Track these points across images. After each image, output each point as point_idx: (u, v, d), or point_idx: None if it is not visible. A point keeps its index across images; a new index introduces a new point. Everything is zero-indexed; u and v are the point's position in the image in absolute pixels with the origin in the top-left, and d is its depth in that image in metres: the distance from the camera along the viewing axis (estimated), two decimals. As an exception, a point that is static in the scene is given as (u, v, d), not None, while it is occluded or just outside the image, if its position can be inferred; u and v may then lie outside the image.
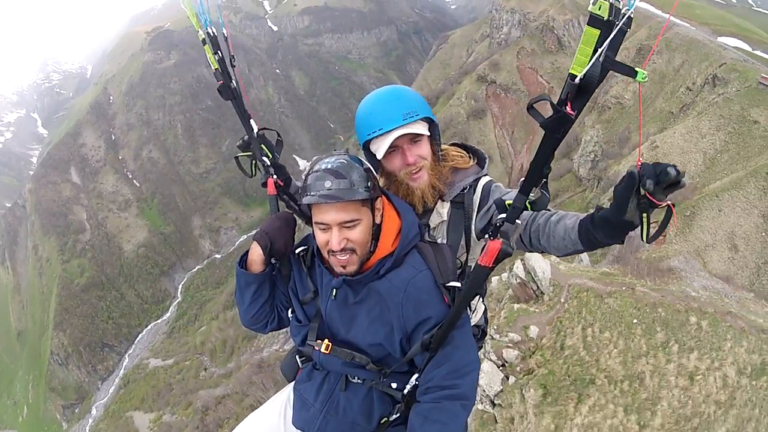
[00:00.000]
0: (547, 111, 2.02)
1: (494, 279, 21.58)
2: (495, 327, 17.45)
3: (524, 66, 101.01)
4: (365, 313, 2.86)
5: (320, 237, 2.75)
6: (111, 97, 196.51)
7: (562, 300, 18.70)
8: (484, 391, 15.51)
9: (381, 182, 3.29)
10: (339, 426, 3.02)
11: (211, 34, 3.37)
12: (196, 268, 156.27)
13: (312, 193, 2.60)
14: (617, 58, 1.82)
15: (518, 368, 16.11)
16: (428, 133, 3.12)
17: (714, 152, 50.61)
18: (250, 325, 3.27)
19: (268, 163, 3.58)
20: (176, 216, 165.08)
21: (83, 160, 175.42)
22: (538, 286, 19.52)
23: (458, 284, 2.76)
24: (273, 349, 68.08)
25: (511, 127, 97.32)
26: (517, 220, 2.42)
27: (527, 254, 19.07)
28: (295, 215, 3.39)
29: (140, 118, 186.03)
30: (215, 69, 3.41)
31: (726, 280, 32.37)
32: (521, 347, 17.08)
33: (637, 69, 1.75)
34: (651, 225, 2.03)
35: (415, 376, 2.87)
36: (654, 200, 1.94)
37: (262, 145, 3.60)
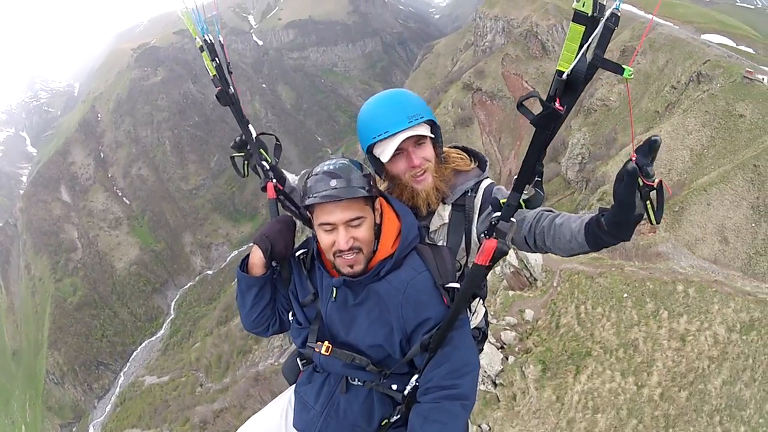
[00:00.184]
0: (537, 109, 2.04)
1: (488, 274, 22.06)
2: (492, 313, 17.97)
3: (509, 72, 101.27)
4: (365, 314, 2.88)
5: (325, 239, 2.77)
6: (99, 115, 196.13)
7: (555, 284, 19.28)
8: (485, 371, 15.99)
9: (384, 186, 3.36)
10: (339, 428, 3.04)
11: (209, 42, 3.44)
12: (189, 284, 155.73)
13: (314, 195, 2.66)
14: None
15: (516, 349, 16.76)
16: (432, 135, 3.17)
17: (701, 148, 50.95)
18: (251, 329, 3.33)
19: (268, 167, 3.60)
20: (167, 233, 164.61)
21: (73, 179, 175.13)
22: (531, 273, 20.02)
23: (457, 285, 2.78)
24: (268, 363, 67.90)
25: (498, 133, 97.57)
26: (512, 218, 2.45)
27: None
28: (294, 218, 3.42)
29: (128, 135, 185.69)
30: (213, 75, 3.50)
31: (714, 262, 32.91)
32: (518, 329, 17.67)
33: (623, 66, 1.75)
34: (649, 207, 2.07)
35: (415, 377, 2.89)
36: (652, 184, 1.98)
37: (261, 150, 3.64)
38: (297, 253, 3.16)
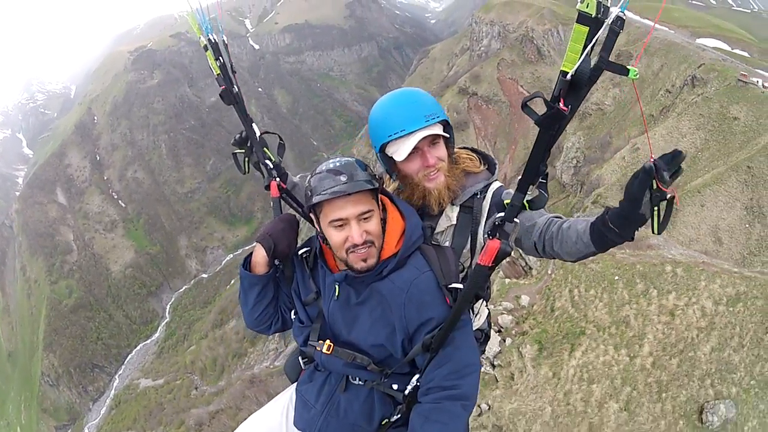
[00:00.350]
0: (539, 110, 2.11)
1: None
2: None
3: (505, 77, 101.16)
4: (367, 313, 2.90)
5: (337, 236, 2.77)
6: (95, 117, 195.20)
7: (549, 271, 19.75)
8: (483, 353, 16.07)
9: (394, 185, 3.39)
10: (340, 427, 3.07)
11: (213, 41, 3.49)
12: (184, 287, 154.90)
13: (322, 192, 2.68)
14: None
15: (513, 332, 17.40)
16: (448, 135, 3.16)
17: (695, 151, 50.87)
18: (254, 327, 3.36)
19: (271, 166, 3.64)
20: (162, 236, 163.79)
21: (69, 181, 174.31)
22: (526, 263, 20.45)
23: (460, 286, 2.80)
24: (263, 366, 67.87)
25: (494, 137, 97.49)
26: (515, 219, 2.52)
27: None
28: (297, 217, 3.42)
29: (124, 138, 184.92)
30: (217, 74, 3.54)
31: (704, 253, 33.30)
32: (515, 314, 18.24)
33: (628, 67, 1.82)
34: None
35: (416, 377, 2.90)
36: (666, 190, 2.04)
37: (264, 149, 3.69)
38: (300, 252, 3.22)
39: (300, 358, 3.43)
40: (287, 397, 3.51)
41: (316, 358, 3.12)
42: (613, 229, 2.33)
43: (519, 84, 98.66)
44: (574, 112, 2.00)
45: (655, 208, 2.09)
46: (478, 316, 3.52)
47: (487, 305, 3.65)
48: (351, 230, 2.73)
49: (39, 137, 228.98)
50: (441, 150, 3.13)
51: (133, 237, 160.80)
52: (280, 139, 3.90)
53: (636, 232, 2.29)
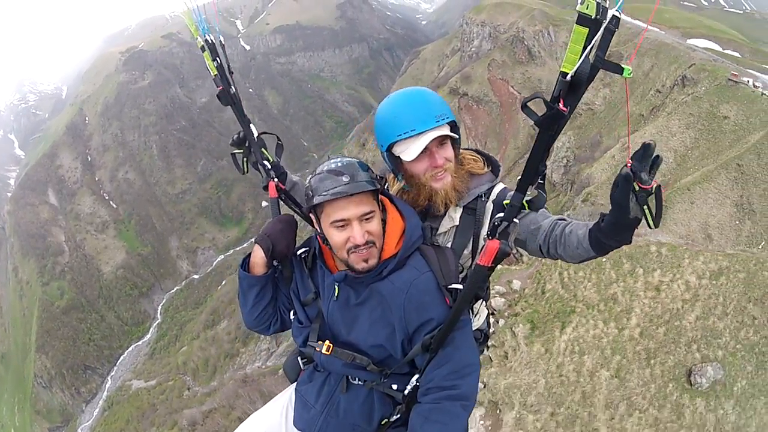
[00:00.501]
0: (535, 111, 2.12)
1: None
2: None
3: (495, 77, 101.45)
4: (367, 314, 2.89)
5: (338, 236, 2.76)
6: (87, 118, 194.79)
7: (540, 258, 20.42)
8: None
9: (399, 186, 3.35)
10: (339, 427, 3.07)
11: (210, 42, 3.45)
12: (175, 288, 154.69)
13: (323, 193, 2.66)
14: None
15: (506, 313, 17.91)
16: (457, 136, 3.12)
17: (684, 149, 51.36)
18: (253, 327, 3.35)
19: (269, 167, 3.63)
20: (153, 237, 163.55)
21: (60, 182, 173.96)
22: (517, 250, 21.13)
23: (460, 287, 2.80)
24: (255, 366, 67.62)
25: (484, 137, 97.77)
26: (515, 219, 2.54)
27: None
28: (295, 217, 3.43)
29: (116, 138, 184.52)
30: (214, 75, 3.53)
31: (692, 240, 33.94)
32: (507, 297, 18.60)
33: (623, 66, 1.85)
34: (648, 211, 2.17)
35: (416, 377, 2.90)
36: (648, 188, 2.07)
37: (262, 149, 3.69)
38: (299, 252, 3.22)
39: (299, 358, 3.43)
40: (286, 397, 3.53)
41: (315, 359, 3.12)
42: (610, 236, 2.39)
43: (510, 84, 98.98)
44: (572, 112, 2.03)
45: (645, 207, 2.13)
46: (477, 316, 3.52)
47: (486, 305, 3.67)
48: (353, 231, 2.73)
49: (31, 138, 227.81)
50: (449, 151, 3.12)
51: (125, 238, 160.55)
52: (278, 139, 3.95)
53: (633, 234, 2.34)
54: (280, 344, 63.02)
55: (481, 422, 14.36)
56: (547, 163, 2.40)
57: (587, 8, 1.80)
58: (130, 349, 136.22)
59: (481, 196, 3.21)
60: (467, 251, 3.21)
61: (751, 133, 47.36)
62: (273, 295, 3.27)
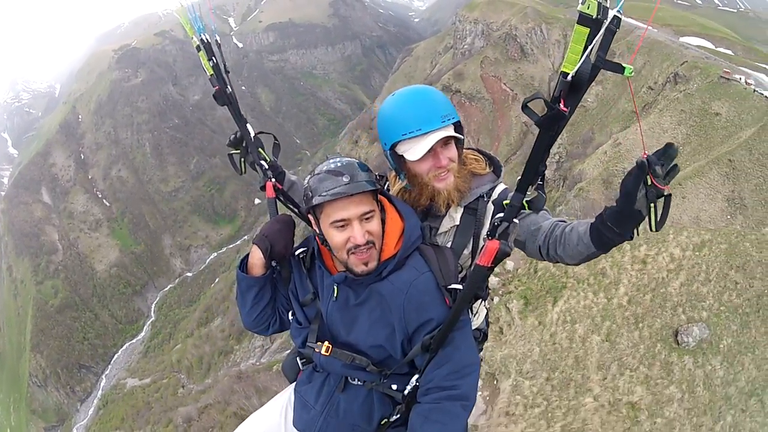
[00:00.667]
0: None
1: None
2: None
3: (488, 74, 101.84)
4: (366, 314, 2.87)
5: (338, 236, 2.73)
6: (80, 116, 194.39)
7: None
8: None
9: (401, 185, 3.31)
10: (339, 428, 3.06)
11: (205, 41, 3.44)
12: (168, 286, 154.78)
13: (323, 194, 2.63)
14: None
15: (501, 291, 18.48)
16: (462, 137, 3.09)
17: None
18: (252, 328, 3.34)
19: (266, 167, 3.61)
20: (146, 235, 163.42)
21: (53, 180, 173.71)
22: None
23: (460, 287, 2.78)
24: (250, 363, 67.40)
25: (477, 134, 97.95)
26: (515, 219, 2.52)
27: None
28: (293, 217, 3.41)
29: (109, 137, 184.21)
30: (210, 75, 3.49)
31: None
32: (501, 277, 19.03)
33: (624, 65, 1.84)
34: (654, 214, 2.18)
35: (415, 377, 2.89)
36: (661, 187, 2.05)
37: (259, 149, 3.67)
38: (297, 252, 3.20)
39: (298, 358, 3.42)
40: (286, 397, 3.52)
41: (314, 360, 3.12)
42: (612, 228, 2.36)
43: (502, 82, 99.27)
44: (572, 112, 2.04)
45: (652, 205, 2.14)
46: (476, 316, 3.50)
47: (485, 304, 3.65)
48: (353, 231, 2.71)
49: (24, 137, 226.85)
50: (452, 151, 3.08)
51: (118, 236, 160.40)
52: (275, 139, 3.95)
53: (635, 231, 2.34)
54: (275, 341, 62.87)
55: (479, 393, 14.63)
56: (547, 163, 2.51)
57: (588, 8, 1.77)
58: (124, 347, 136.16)
59: (483, 196, 3.20)
60: (467, 251, 3.20)
61: (743, 130, 47.74)
62: (272, 295, 3.27)
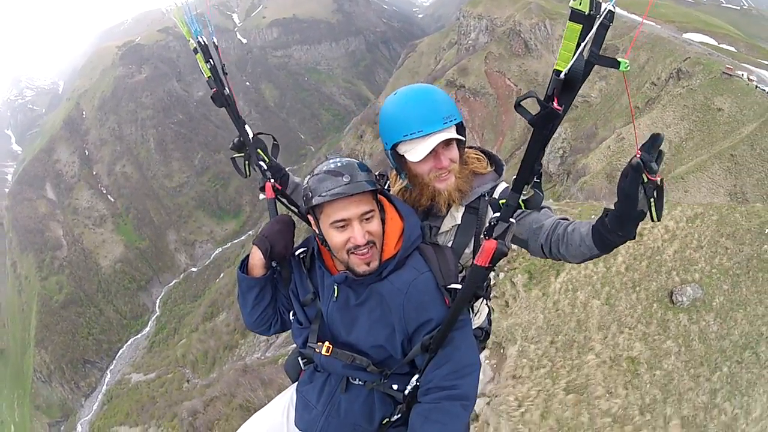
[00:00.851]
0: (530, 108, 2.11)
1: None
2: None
3: (492, 70, 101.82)
4: (366, 314, 2.86)
5: (338, 237, 2.72)
6: (84, 113, 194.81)
7: None
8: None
9: (402, 185, 3.29)
10: (341, 427, 3.05)
11: (202, 43, 3.43)
12: (173, 282, 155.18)
13: (323, 194, 2.62)
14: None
15: (506, 268, 19.18)
16: (464, 138, 3.08)
17: (679, 140, 52.21)
18: (253, 328, 3.34)
19: (265, 167, 3.60)
20: (151, 230, 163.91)
21: (58, 176, 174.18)
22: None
23: (459, 286, 2.74)
24: (255, 357, 67.30)
25: (481, 129, 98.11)
26: (511, 219, 2.47)
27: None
28: (293, 217, 3.41)
29: (113, 132, 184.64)
30: (208, 77, 3.48)
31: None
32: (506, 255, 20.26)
33: (619, 60, 1.80)
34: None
35: (416, 376, 2.88)
36: (655, 180, 2.02)
37: (259, 150, 3.64)
38: (297, 252, 3.18)
39: (299, 358, 3.38)
40: (288, 397, 3.51)
41: (315, 360, 3.10)
42: (614, 231, 2.32)
43: (506, 77, 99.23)
44: (567, 110, 2.01)
45: (651, 200, 2.10)
46: (478, 315, 3.49)
47: (487, 303, 3.61)
48: (353, 231, 2.69)
49: (28, 133, 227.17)
50: (454, 152, 3.05)
51: (123, 232, 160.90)
52: (274, 139, 3.87)
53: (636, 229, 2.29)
54: (279, 335, 63.03)
55: (487, 362, 15.33)
56: (546, 156, 2.56)
57: (580, 4, 1.74)
58: (129, 342, 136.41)
59: (484, 196, 3.16)
60: (468, 250, 3.17)
61: (745, 125, 47.82)
62: (272, 296, 3.26)
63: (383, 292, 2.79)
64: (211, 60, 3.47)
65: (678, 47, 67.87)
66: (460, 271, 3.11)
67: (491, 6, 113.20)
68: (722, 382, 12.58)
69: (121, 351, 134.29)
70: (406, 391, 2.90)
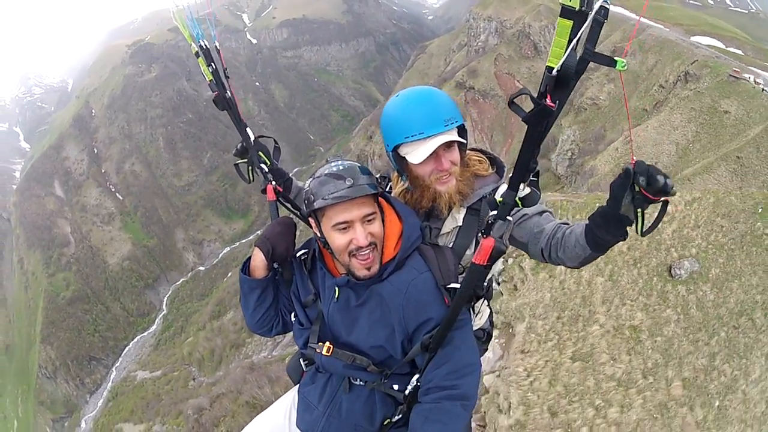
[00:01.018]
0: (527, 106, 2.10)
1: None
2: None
3: (501, 72, 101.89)
4: (367, 315, 2.88)
5: (340, 239, 2.74)
6: (93, 111, 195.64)
7: None
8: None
9: (403, 186, 3.34)
10: (342, 428, 3.08)
11: (204, 47, 3.46)
12: (181, 280, 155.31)
13: (325, 198, 2.64)
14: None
15: (514, 254, 19.98)
16: (465, 141, 3.09)
17: (686, 143, 52.33)
18: (256, 330, 3.35)
19: (266, 170, 3.62)
20: (159, 229, 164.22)
21: (66, 174, 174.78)
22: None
23: (459, 286, 2.75)
24: (261, 356, 67.33)
25: (490, 131, 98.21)
26: (508, 217, 2.49)
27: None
28: (295, 219, 3.44)
29: (122, 131, 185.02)
30: (210, 80, 3.51)
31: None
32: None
33: (615, 58, 1.80)
34: (645, 219, 2.16)
35: (416, 376, 2.91)
36: (649, 196, 2.02)
37: (260, 152, 3.65)
38: (298, 254, 3.21)
39: (301, 359, 3.37)
40: (290, 398, 3.57)
41: (316, 360, 3.12)
42: (602, 228, 2.35)
43: (516, 79, 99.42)
44: (562, 107, 2.02)
45: (639, 211, 2.13)
46: (479, 316, 3.50)
47: (489, 304, 3.63)
48: (356, 232, 2.72)
49: (36, 131, 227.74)
50: (455, 154, 3.08)
51: (131, 230, 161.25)
52: (275, 142, 3.91)
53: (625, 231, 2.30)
54: (286, 334, 63.09)
55: (496, 341, 16.06)
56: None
57: (570, 0, 1.74)
58: (135, 340, 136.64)
59: (486, 197, 3.13)
60: (470, 251, 3.19)
61: (751, 128, 47.92)
62: (274, 297, 3.29)
63: (383, 292, 2.82)
64: (212, 63, 3.50)
65: (686, 50, 67.96)
66: (461, 272, 3.11)
67: (501, 8, 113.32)
68: (720, 346, 13.34)
69: (127, 348, 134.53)
70: (407, 391, 2.93)
